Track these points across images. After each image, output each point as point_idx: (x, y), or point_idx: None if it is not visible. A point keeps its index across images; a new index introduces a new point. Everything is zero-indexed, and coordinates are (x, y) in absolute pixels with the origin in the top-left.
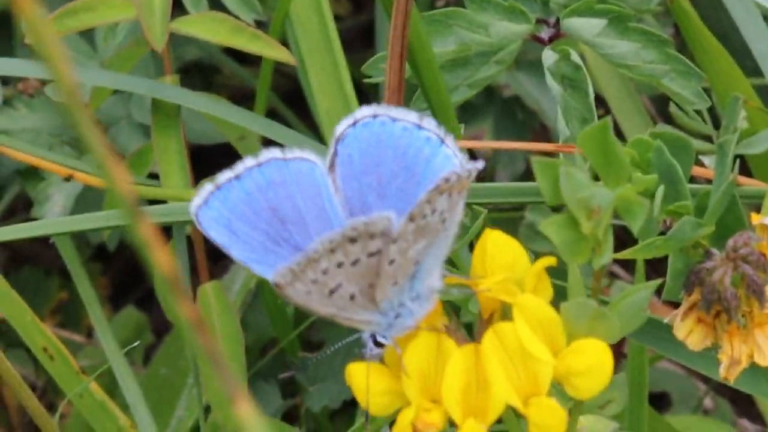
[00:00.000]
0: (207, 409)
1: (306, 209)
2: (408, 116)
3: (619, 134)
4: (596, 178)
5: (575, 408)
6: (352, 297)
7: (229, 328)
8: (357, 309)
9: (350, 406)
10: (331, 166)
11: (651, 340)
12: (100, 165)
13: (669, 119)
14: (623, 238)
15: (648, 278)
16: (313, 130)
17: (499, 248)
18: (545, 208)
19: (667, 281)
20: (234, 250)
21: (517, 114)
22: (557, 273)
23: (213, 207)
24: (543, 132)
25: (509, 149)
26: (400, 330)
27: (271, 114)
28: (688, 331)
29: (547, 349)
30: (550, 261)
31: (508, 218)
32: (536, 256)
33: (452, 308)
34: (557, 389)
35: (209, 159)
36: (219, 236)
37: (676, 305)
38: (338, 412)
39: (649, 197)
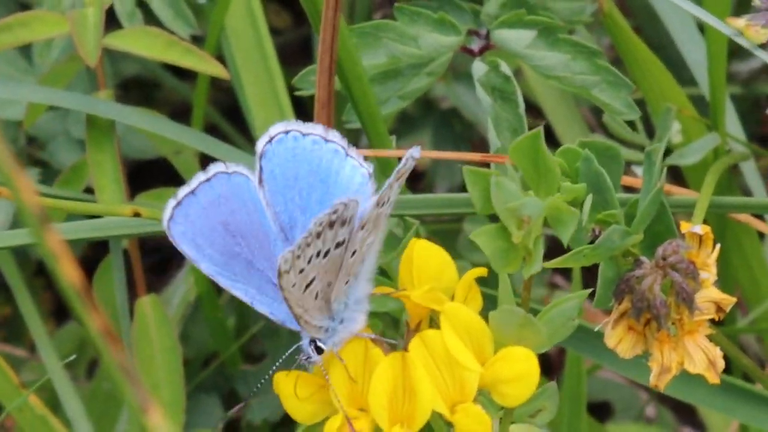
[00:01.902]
0: None
1: (249, 223)
2: (315, 129)
3: (558, 145)
4: (527, 188)
5: (506, 417)
6: (316, 296)
7: (167, 341)
8: (316, 311)
9: (291, 419)
10: (260, 182)
11: (587, 348)
12: (6, 178)
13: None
14: (556, 247)
15: (587, 288)
16: (252, 144)
17: (425, 258)
18: (483, 218)
19: (598, 290)
20: (201, 264)
21: (455, 126)
22: (493, 283)
23: (178, 222)
24: (482, 144)
25: (447, 159)
26: (343, 336)
27: (212, 129)
28: (619, 339)
29: (473, 356)
30: (480, 272)
31: (448, 230)
32: (475, 267)
33: (391, 320)
34: (487, 398)
35: (147, 174)
36: (188, 250)
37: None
38: (279, 425)
39: (579, 206)
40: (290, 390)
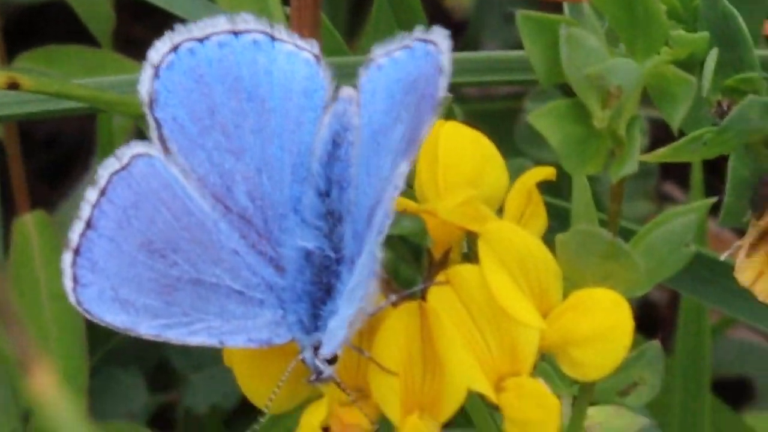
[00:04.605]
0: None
1: (175, 223)
2: (216, 26)
3: None
4: (617, 43)
5: (582, 396)
6: None
7: (57, 282)
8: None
9: (251, 405)
10: (163, 145)
11: (711, 291)
12: None
13: None
14: (661, 134)
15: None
16: None
17: (458, 150)
18: (550, 91)
19: (726, 197)
20: (139, 329)
21: None
22: (564, 192)
23: (84, 272)
24: None
25: None
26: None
27: None
28: (757, 273)
29: (530, 304)
30: (544, 173)
31: (499, 110)
32: (537, 165)
33: (406, 248)
34: (551, 365)
35: (32, 25)
36: (112, 317)
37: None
38: (234, 415)
39: (697, 70)
40: (249, 363)
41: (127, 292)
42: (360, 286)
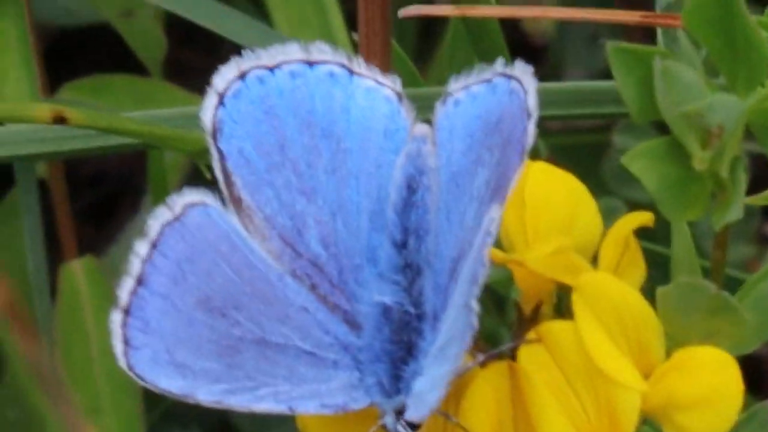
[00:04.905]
0: None
1: (235, 277)
2: (288, 55)
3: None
4: (717, 74)
5: None
6: None
7: (109, 335)
8: None
9: None
10: (228, 184)
11: None
12: None
13: None
14: (760, 170)
15: None
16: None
17: (547, 193)
18: (644, 128)
19: None
20: (198, 395)
21: None
22: (662, 238)
23: (136, 332)
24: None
25: (582, 22)
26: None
27: None
28: None
29: (631, 364)
30: (641, 219)
31: (586, 144)
32: (632, 209)
33: (491, 300)
34: (654, 431)
35: (75, 51)
36: (168, 383)
37: None
38: None
39: None
40: (323, 429)
41: (184, 355)
42: (453, 343)
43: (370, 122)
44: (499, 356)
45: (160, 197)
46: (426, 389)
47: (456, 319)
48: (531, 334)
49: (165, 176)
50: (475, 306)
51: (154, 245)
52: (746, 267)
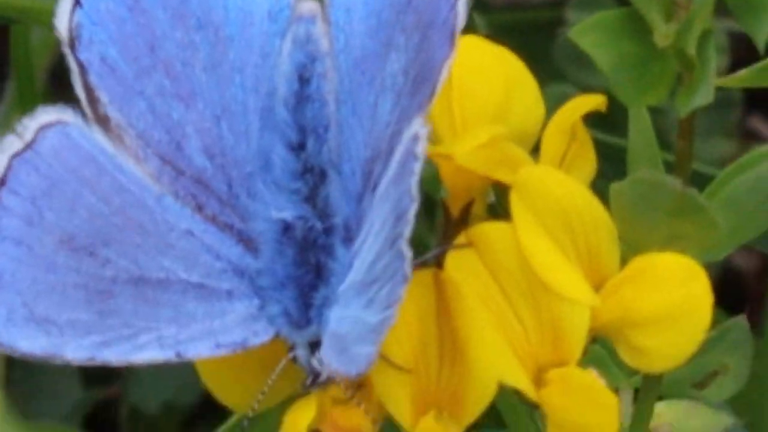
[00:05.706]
0: None
1: (103, 205)
2: None
3: None
4: None
5: (646, 389)
6: None
7: None
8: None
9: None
10: (89, 95)
11: None
12: None
13: None
14: (741, 56)
15: None
16: None
17: (478, 72)
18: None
19: None
20: (67, 352)
21: None
22: (618, 126)
23: None
24: None
25: None
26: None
27: None
28: None
29: (580, 274)
30: (593, 102)
31: (534, 21)
32: (584, 92)
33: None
34: (606, 351)
35: None
36: None
37: None
38: (195, 414)
39: None
40: (219, 364)
41: (46, 308)
42: (380, 286)
43: (252, 4)
44: (423, 265)
45: (25, 85)
46: (348, 333)
47: (380, 255)
48: (460, 238)
49: (30, 59)
50: (407, 251)
51: (1, 183)
52: (721, 163)
